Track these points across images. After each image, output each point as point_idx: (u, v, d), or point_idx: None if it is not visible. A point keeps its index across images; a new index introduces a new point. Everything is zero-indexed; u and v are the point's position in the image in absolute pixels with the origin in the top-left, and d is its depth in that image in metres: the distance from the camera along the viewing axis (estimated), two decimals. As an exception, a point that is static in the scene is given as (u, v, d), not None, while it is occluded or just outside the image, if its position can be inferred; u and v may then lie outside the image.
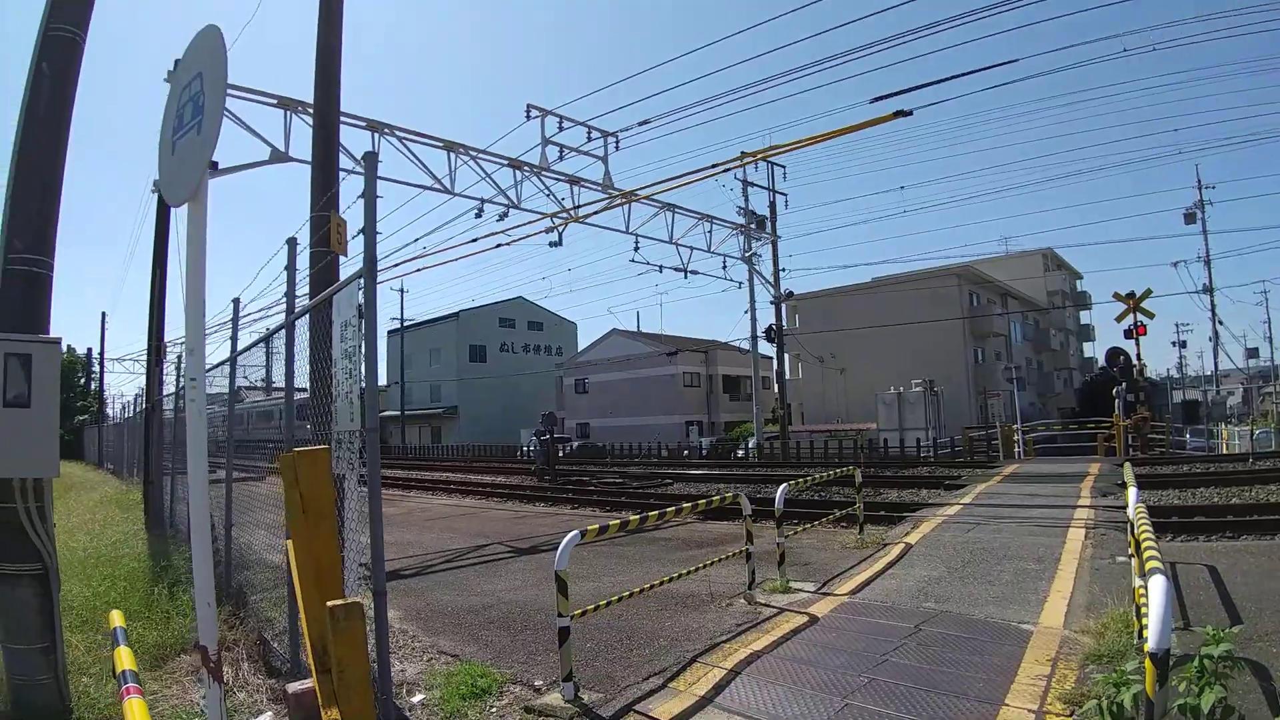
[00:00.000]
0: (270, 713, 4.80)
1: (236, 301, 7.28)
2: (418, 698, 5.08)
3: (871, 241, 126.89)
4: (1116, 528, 9.84)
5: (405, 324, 64.35)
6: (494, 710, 4.85)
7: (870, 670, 5.06)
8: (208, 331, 3.58)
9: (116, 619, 3.44)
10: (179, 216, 15.07)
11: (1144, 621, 4.31)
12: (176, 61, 4.83)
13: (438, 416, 66.32)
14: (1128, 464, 9.57)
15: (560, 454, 26.77)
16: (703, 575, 7.63)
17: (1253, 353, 57.20)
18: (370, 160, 3.98)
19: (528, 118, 21.30)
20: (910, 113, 12.52)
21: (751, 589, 7.33)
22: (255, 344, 7.43)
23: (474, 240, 21.26)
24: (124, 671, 2.77)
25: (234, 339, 7.34)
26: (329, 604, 2.68)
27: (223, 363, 7.66)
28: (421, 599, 8.02)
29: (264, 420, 9.58)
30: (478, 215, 21.02)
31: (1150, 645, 2.86)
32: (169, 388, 14.13)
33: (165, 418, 14.27)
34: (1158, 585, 3.13)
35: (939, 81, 11.94)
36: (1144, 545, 4.19)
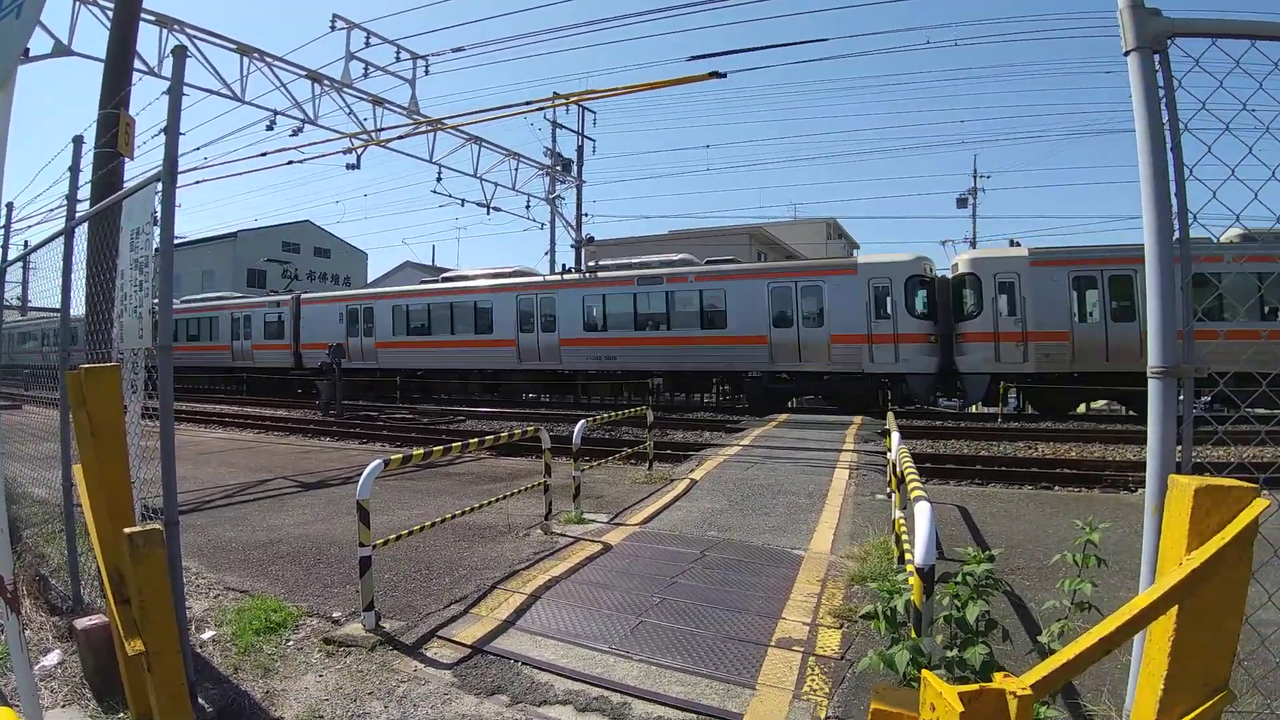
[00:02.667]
0: (58, 650, 4.45)
1: (10, 206, 6.42)
2: (207, 634, 4.86)
3: (674, 195, 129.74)
4: (876, 469, 10.87)
5: (177, 241, 58.82)
6: (291, 643, 4.73)
7: (661, 591, 5.38)
8: None
9: None
10: None
11: (904, 548, 4.86)
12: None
13: None
14: (890, 414, 10.57)
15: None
16: (499, 507, 7.73)
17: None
18: (179, 55, 3.64)
19: (332, 28, 19.89)
20: (725, 75, 12.93)
21: (548, 520, 7.51)
22: (29, 252, 6.57)
23: (263, 154, 19.83)
24: None
25: (4, 248, 6.47)
26: (127, 531, 2.52)
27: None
28: (202, 535, 7.57)
29: (20, 343, 8.61)
30: (269, 128, 19.50)
31: (917, 561, 3.26)
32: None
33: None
34: (923, 509, 3.56)
35: (754, 49, 12.37)
36: (908, 478, 4.72)
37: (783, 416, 20.05)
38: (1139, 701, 1.90)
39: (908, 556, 4.12)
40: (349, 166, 22.39)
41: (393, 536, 5.45)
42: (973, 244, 42.34)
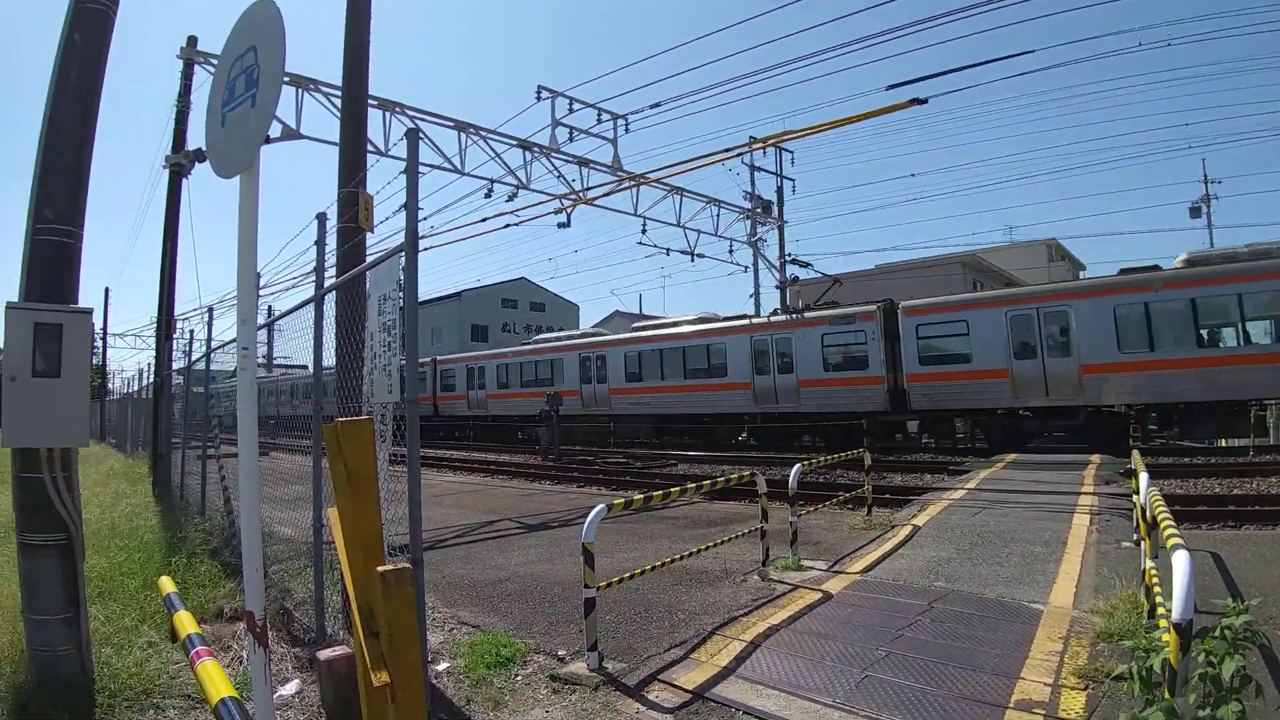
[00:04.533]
0: (297, 680, 4.88)
1: (258, 275, 7.31)
2: (442, 665, 5.16)
3: (880, 228, 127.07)
4: (1120, 514, 9.93)
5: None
6: (519, 678, 4.94)
7: (887, 644, 5.16)
8: (212, 307, 3.63)
9: (167, 585, 3.51)
10: (189, 190, 15.16)
11: (1155, 600, 4.40)
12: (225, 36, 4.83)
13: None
14: (1136, 452, 9.63)
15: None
16: (715, 552, 7.73)
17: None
18: (412, 137, 4.03)
19: (538, 99, 21.33)
20: (925, 101, 12.49)
21: (765, 566, 7.42)
22: (280, 317, 7.42)
23: (483, 220, 21.34)
24: (190, 635, 2.83)
25: (268, 313, 7.36)
26: (380, 569, 2.74)
27: (230, 342, 7.68)
28: (437, 571, 8.10)
29: (266, 397, 9.70)
30: (487, 195, 21.12)
31: (1175, 615, 2.94)
32: (178, 363, 14.21)
33: (174, 392, 14.35)
34: (1180, 558, 3.21)
35: (954, 71, 11.89)
36: (1163, 524, 4.27)
37: (1010, 457, 18.78)
38: None
39: (1160, 610, 3.73)
40: (560, 225, 23.76)
41: (615, 580, 5.58)
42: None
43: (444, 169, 19.55)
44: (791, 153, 34.07)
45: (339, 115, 9.13)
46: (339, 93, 9.68)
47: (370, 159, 12.47)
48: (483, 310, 67.26)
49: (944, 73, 12.45)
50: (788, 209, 34.38)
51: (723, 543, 7.40)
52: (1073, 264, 66.53)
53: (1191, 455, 18.66)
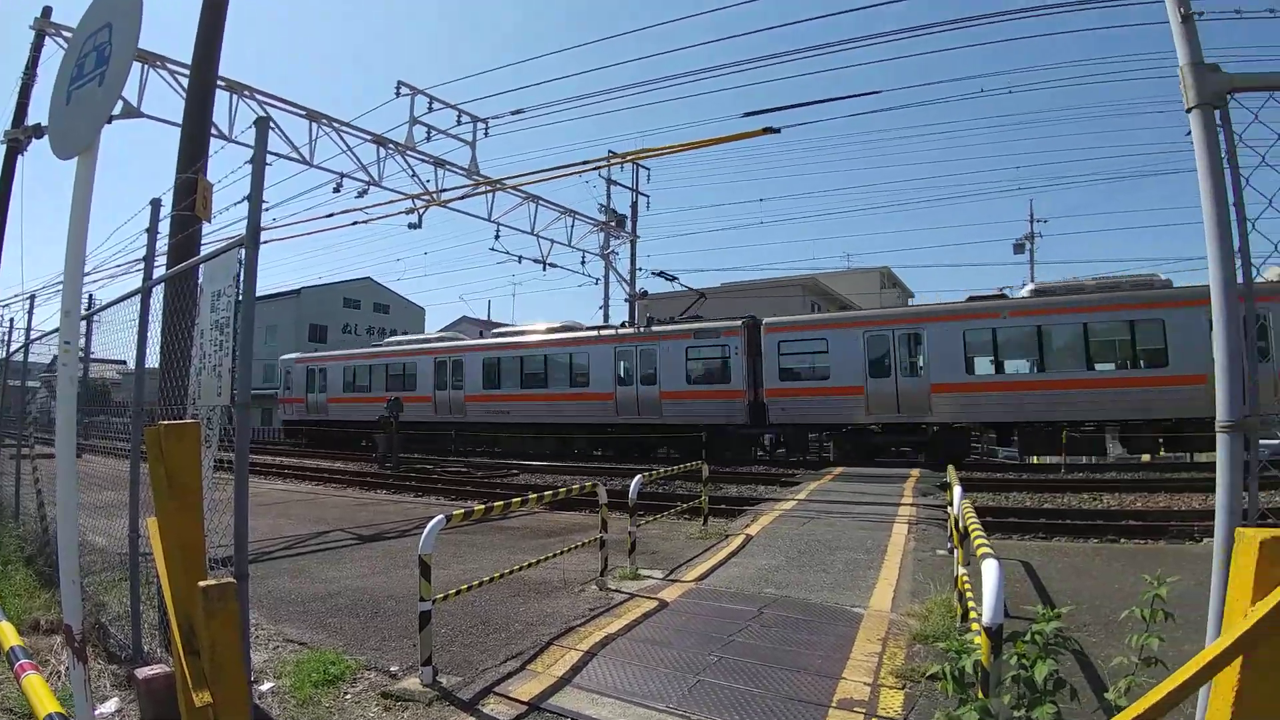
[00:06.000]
0: (116, 698, 4.56)
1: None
2: (266, 685, 4.92)
3: (729, 248, 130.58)
4: (936, 524, 10.64)
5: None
6: (349, 696, 4.78)
7: (719, 650, 5.33)
8: (34, 295, 3.38)
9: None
10: (24, 168, 13.88)
11: (968, 605, 4.76)
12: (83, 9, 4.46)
13: (270, 398, 63.08)
14: (951, 467, 10.37)
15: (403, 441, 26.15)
16: (554, 563, 7.74)
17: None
18: (262, 126, 3.87)
19: (397, 94, 20.76)
20: (779, 130, 13.08)
21: (604, 576, 7.50)
22: (103, 308, 6.86)
23: (329, 215, 20.62)
24: (13, 648, 2.61)
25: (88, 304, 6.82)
26: (202, 584, 2.60)
27: (52, 333, 7.09)
28: (262, 586, 7.70)
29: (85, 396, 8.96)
30: (335, 190, 20.31)
31: (985, 620, 3.20)
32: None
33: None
34: (990, 567, 3.50)
35: (808, 104, 12.53)
36: (973, 535, 4.63)
37: (838, 470, 19.78)
38: (1208, 760, 1.85)
39: (973, 615, 4.04)
40: (411, 226, 23.11)
41: (453, 591, 5.50)
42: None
43: (292, 159, 18.72)
44: (648, 169, 34.67)
45: (184, 95, 8.63)
46: (187, 71, 9.14)
47: (214, 144, 11.83)
48: (323, 309, 64.41)
49: (797, 105, 13.17)
50: (641, 224, 35.05)
51: (562, 553, 7.43)
52: (903, 291, 71.07)
53: (1004, 471, 20.25)
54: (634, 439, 26.10)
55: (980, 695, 3.10)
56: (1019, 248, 43.23)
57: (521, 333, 30.39)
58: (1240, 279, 2.21)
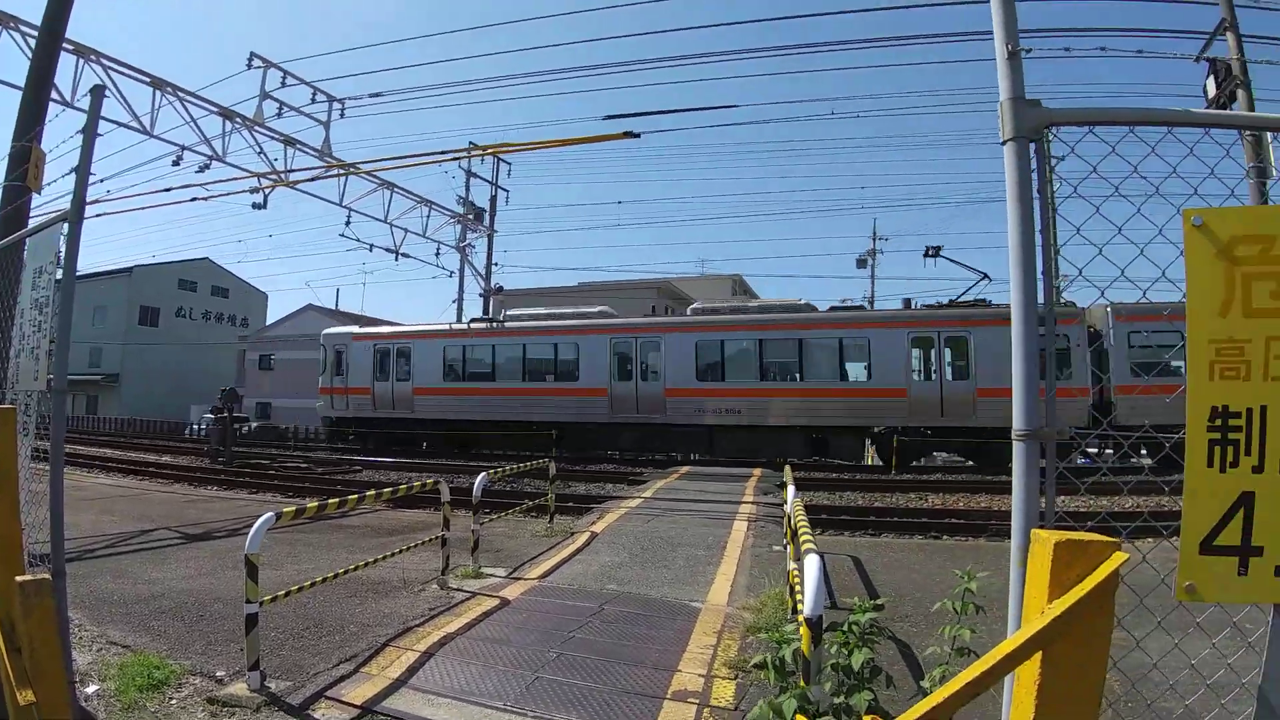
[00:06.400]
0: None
1: None
2: (92, 688, 4.63)
3: (585, 248, 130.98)
4: (774, 521, 11.04)
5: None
6: (174, 702, 4.51)
7: (559, 646, 5.33)
8: None
9: None
10: None
11: (798, 598, 4.96)
12: None
13: (96, 384, 58.15)
14: (787, 466, 10.80)
15: (237, 434, 24.50)
16: (395, 562, 7.53)
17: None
18: (97, 95, 3.58)
19: (249, 66, 19.51)
20: (638, 135, 13.22)
21: (445, 574, 7.35)
22: None
23: (167, 189, 19.00)
24: None
25: None
26: (19, 579, 2.44)
27: None
28: (84, 585, 7.19)
29: None
30: (175, 163, 18.79)
31: (805, 612, 3.34)
32: None
33: None
34: (811, 562, 3.66)
35: (667, 112, 12.75)
36: (800, 532, 4.83)
37: (685, 469, 20.19)
38: (1012, 745, 1.99)
39: (800, 607, 4.21)
40: (255, 206, 21.66)
41: (281, 593, 5.25)
42: (870, 302, 44.14)
43: (132, 128, 17.33)
44: (509, 164, 34.24)
45: (30, 57, 7.90)
46: (35, 33, 8.35)
47: (54, 109, 10.81)
48: (156, 291, 59.81)
49: (657, 112, 13.32)
50: (499, 220, 34.52)
51: (402, 551, 7.23)
52: (753, 298, 73.74)
53: (840, 471, 21.24)
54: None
55: (802, 684, 3.23)
56: (861, 263, 45.67)
57: (767, 309, 25.09)
58: (1042, 301, 2.37)
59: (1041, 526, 2.28)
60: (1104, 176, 2.47)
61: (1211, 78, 11.95)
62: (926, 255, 23.11)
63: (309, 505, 5.58)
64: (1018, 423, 2.33)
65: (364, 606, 6.62)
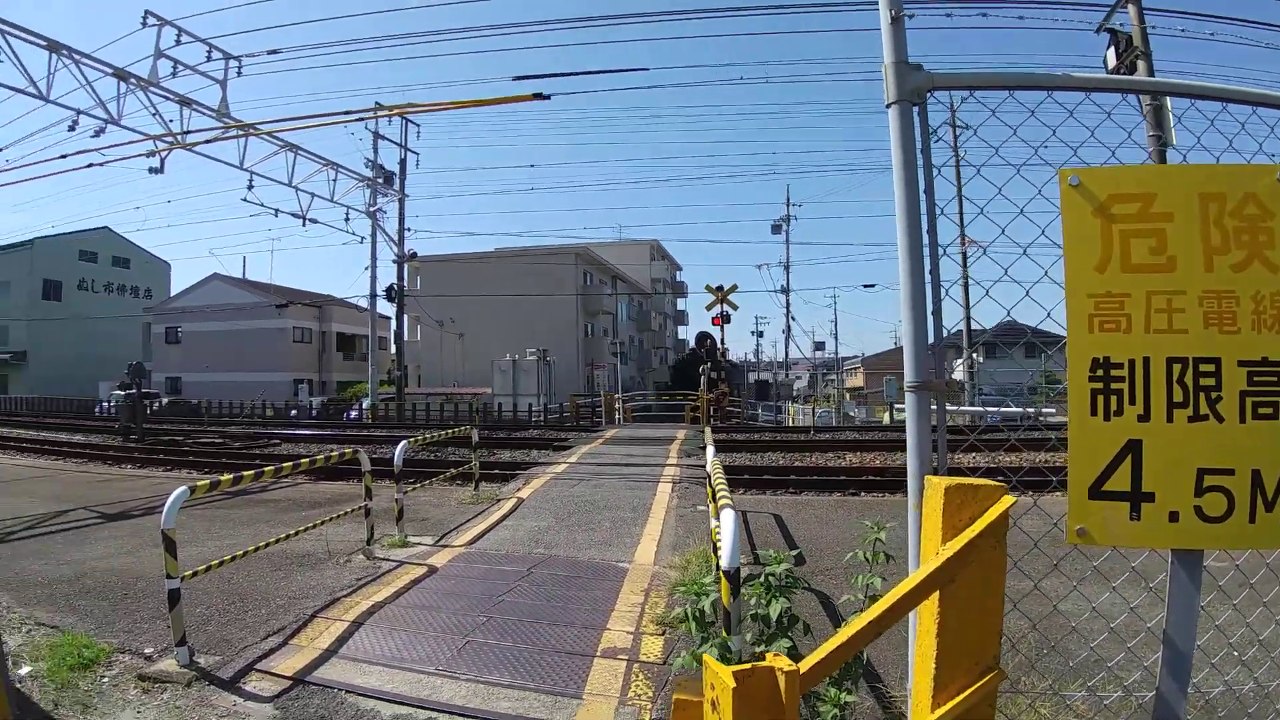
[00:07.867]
0: None
1: None
2: (24, 669, 4.55)
3: (500, 213, 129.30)
4: (698, 482, 11.28)
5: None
6: (106, 680, 4.45)
7: (488, 610, 5.42)
8: None
9: None
10: None
11: (720, 554, 5.13)
12: None
13: (5, 363, 55.27)
14: (708, 429, 11.02)
15: (148, 411, 23.67)
16: (318, 534, 7.49)
17: (819, 345, 66.54)
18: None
19: (144, 25, 18.47)
20: (548, 97, 13.02)
21: (370, 544, 7.32)
22: None
23: (63, 156, 17.98)
24: None
25: None
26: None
27: None
28: (8, 567, 7.06)
29: None
30: (71, 128, 17.75)
31: (723, 564, 3.49)
32: None
33: None
34: (727, 516, 3.81)
35: (577, 74, 12.67)
36: (718, 491, 4.99)
37: (610, 433, 20.37)
38: (917, 682, 2.14)
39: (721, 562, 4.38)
40: (152, 170, 20.56)
41: (202, 568, 5.18)
42: (786, 267, 44.77)
43: (29, 94, 16.40)
44: (418, 126, 33.38)
45: None
46: None
47: None
48: (58, 264, 56.76)
49: (567, 74, 13.22)
50: (410, 184, 33.74)
51: (325, 522, 7.18)
52: (670, 264, 73.89)
53: (762, 433, 21.69)
54: None
55: (724, 634, 3.38)
56: (776, 228, 46.14)
57: None
58: (928, 263, 2.51)
59: (935, 473, 2.43)
60: (985, 140, 2.59)
61: (1112, 49, 12.30)
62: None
63: (224, 478, 5.49)
64: (909, 375, 2.48)
65: (290, 580, 6.57)
